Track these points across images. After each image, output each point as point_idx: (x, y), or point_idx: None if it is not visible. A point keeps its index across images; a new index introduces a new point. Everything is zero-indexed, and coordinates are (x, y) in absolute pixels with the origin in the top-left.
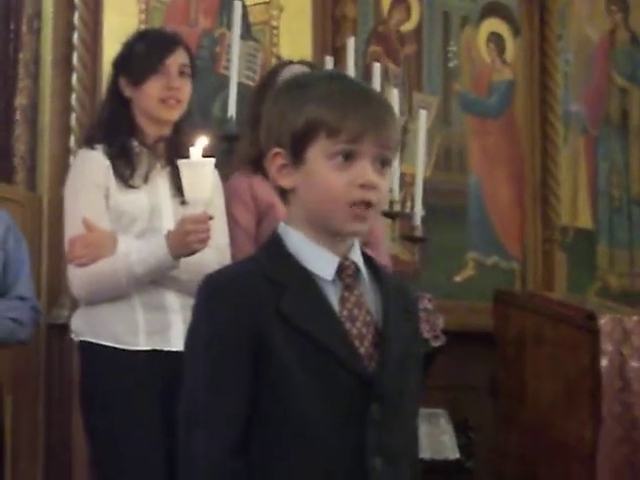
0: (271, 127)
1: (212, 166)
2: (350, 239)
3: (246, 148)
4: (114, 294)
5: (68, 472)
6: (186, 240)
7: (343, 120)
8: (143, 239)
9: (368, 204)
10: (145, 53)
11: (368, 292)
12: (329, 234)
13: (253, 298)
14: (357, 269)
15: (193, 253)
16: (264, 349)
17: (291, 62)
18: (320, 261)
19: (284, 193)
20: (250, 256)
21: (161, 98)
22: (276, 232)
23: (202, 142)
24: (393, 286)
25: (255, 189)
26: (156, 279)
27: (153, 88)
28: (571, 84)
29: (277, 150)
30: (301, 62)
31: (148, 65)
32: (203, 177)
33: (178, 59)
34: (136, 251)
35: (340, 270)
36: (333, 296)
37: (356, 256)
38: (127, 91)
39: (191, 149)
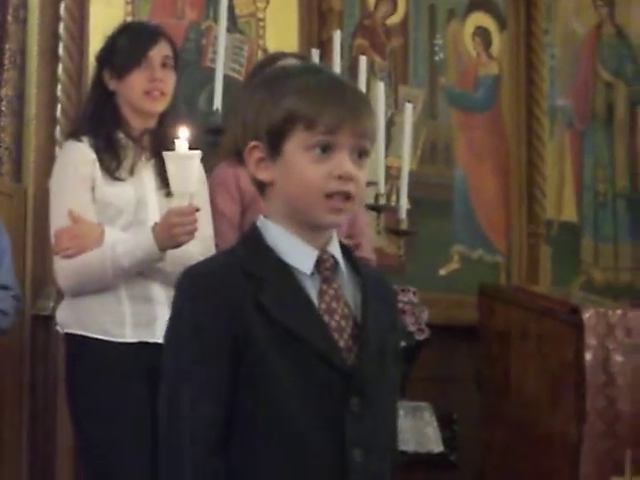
0: (248, 120)
1: (198, 159)
2: (329, 232)
3: (231, 139)
4: (100, 286)
5: (52, 462)
6: (172, 232)
7: (320, 112)
8: (129, 231)
9: (346, 195)
10: (128, 46)
11: (347, 285)
12: (307, 227)
13: (232, 291)
14: (336, 262)
15: (179, 245)
16: (244, 343)
17: (284, 54)
18: (299, 254)
19: (262, 187)
20: (229, 249)
21: (145, 90)
22: (255, 225)
23: (184, 133)
24: (372, 278)
25: (240, 180)
26: (143, 271)
27: (137, 80)
28: (557, 79)
29: (254, 143)
30: (293, 55)
31: (131, 58)
32: (189, 169)
33: (161, 51)
34: (122, 243)
35: (319, 263)
36: (312, 289)
37: (335, 249)
38: (111, 84)
39: (176, 141)
